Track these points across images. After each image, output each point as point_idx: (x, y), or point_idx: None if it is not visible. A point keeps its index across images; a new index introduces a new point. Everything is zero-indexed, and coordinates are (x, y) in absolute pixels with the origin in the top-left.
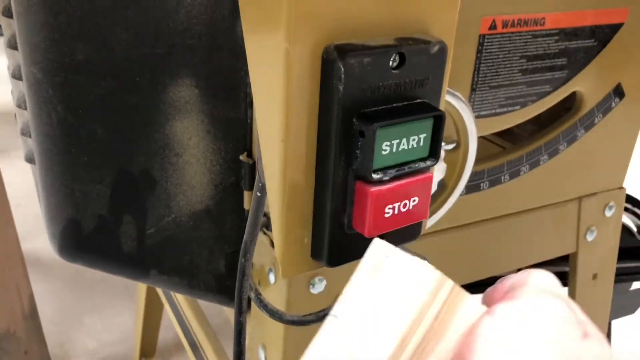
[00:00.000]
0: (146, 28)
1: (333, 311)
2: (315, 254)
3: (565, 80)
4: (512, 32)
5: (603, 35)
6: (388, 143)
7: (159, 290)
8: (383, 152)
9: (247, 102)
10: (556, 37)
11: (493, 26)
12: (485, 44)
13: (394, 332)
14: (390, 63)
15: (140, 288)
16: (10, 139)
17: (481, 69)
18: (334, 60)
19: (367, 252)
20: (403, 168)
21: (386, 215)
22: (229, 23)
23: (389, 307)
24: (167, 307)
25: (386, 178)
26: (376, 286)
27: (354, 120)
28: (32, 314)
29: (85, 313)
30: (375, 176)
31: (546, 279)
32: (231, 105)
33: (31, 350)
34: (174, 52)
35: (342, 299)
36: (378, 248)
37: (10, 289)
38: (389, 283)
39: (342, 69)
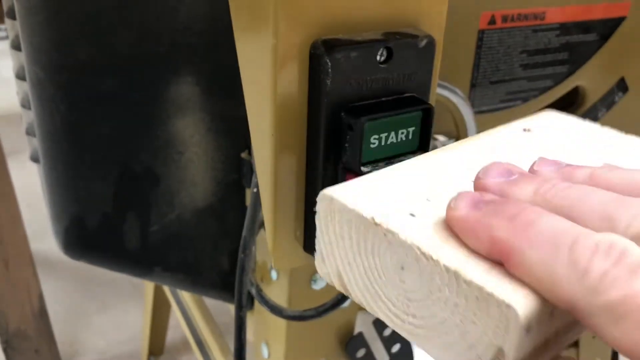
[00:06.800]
0: (147, 27)
1: None
2: (308, 247)
3: (567, 75)
4: (512, 27)
5: (605, 29)
6: (376, 136)
7: (167, 290)
8: (372, 146)
9: None
10: (557, 32)
11: (492, 21)
12: (484, 39)
13: None
14: (378, 57)
15: (148, 287)
16: (19, 141)
17: (481, 64)
18: (321, 55)
19: None
20: (392, 161)
21: None
22: (229, 21)
23: None
24: (174, 306)
25: None
26: None
27: (342, 114)
28: (42, 313)
29: (94, 312)
30: (364, 169)
31: None
32: (232, 102)
33: (41, 349)
34: (175, 51)
35: None
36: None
37: (20, 288)
38: None
39: (329, 64)
